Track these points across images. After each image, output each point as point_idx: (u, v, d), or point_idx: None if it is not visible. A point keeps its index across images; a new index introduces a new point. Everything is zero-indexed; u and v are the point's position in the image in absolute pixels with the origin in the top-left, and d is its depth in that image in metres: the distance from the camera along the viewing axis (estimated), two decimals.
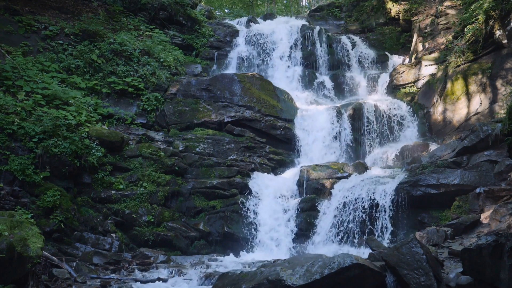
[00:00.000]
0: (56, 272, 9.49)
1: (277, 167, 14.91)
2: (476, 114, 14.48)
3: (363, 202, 12.01)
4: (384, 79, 18.64)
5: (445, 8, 19.08)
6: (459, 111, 14.96)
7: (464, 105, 14.87)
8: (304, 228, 12.63)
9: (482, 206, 10.89)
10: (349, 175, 13.32)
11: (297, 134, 15.59)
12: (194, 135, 15.06)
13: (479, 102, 14.51)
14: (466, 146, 12.17)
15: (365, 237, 11.46)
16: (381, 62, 20.11)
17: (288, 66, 19.43)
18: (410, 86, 17.65)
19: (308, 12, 27.51)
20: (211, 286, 8.56)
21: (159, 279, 9.90)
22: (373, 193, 12.05)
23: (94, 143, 12.95)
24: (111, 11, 18.66)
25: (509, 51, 14.29)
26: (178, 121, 15.61)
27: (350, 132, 15.80)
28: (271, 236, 12.83)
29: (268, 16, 24.77)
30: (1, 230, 8.05)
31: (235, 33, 20.68)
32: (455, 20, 18.05)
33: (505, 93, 13.95)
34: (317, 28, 20.77)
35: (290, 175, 14.15)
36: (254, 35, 20.12)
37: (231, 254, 12.25)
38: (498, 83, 14.28)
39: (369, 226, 11.80)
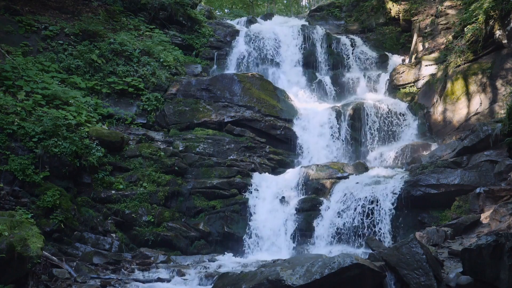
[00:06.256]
0: (56, 272, 9.49)
1: (277, 167, 14.91)
2: (476, 114, 14.47)
3: (363, 202, 12.01)
4: (384, 79, 18.62)
5: (445, 8, 19.07)
6: (459, 111, 14.95)
7: (464, 105, 14.86)
8: (304, 228, 12.62)
9: (482, 206, 10.89)
10: (349, 175, 13.32)
11: (297, 134, 15.58)
12: (194, 135, 15.06)
13: (479, 102, 14.51)
14: (466, 146, 12.18)
15: (365, 237, 11.47)
16: (381, 62, 20.09)
17: (290, 66, 19.42)
18: (410, 86, 17.64)
19: (308, 12, 27.49)
20: (211, 286, 8.57)
21: (159, 279, 9.91)
22: (373, 193, 12.06)
23: (94, 143, 12.95)
24: (111, 11, 18.65)
25: (509, 51, 14.29)
26: (178, 121, 15.61)
27: (350, 132, 15.80)
28: (271, 236, 12.82)
29: (268, 16, 24.73)
30: (1, 230, 8.05)
31: (235, 33, 20.63)
32: (455, 20, 18.05)
33: (505, 93, 13.95)
34: (317, 28, 20.76)
35: (290, 175, 14.14)
36: (254, 35, 20.10)
37: (231, 254, 12.25)
38: (498, 83, 14.28)
39: (369, 226, 11.80)
